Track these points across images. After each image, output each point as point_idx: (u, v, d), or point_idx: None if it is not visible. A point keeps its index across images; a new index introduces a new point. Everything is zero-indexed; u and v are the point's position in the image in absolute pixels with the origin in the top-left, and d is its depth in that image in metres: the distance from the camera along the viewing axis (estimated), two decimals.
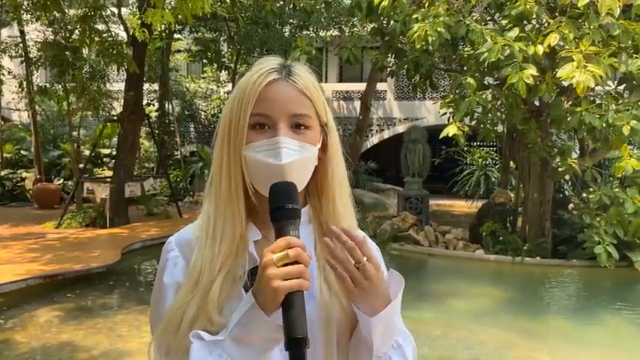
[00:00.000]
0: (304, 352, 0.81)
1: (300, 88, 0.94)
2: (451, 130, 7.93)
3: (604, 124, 7.29)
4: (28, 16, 11.38)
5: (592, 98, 8.10)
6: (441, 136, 8.10)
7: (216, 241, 0.94)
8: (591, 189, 8.40)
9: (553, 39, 6.99)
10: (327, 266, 0.92)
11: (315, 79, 0.99)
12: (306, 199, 1.02)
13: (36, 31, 12.05)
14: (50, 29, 11.20)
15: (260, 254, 0.94)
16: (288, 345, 0.81)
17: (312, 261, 0.89)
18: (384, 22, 9.33)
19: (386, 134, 17.16)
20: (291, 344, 0.80)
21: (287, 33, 14.15)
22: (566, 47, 7.04)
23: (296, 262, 0.82)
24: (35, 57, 11.88)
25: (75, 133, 12.53)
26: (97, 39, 10.21)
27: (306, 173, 0.96)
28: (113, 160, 12.52)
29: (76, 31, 10.57)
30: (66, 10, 10.73)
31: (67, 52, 10.69)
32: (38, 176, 13.03)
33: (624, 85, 8.05)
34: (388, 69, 10.21)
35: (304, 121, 0.94)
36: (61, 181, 13.82)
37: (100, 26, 10.76)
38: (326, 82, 18.23)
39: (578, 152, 9.91)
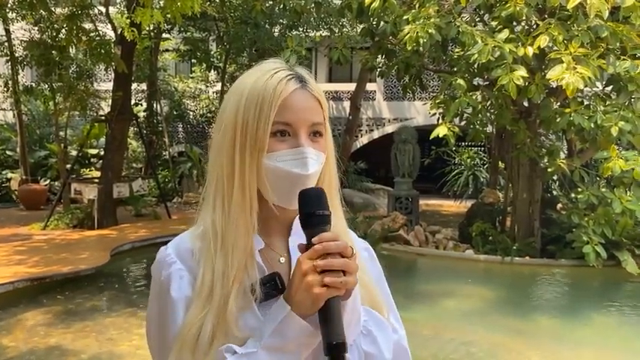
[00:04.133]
0: (344, 357, 0.81)
1: (316, 96, 0.95)
2: (442, 131, 7.96)
3: (592, 125, 7.37)
4: (14, 14, 11.22)
5: (580, 99, 8.18)
6: (431, 137, 8.13)
7: (229, 254, 0.90)
8: (579, 189, 8.49)
9: (542, 40, 7.05)
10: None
11: None
12: None
13: (22, 30, 11.88)
14: (36, 28, 11.03)
15: (265, 263, 0.93)
16: (328, 350, 0.81)
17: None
18: (374, 22, 9.34)
19: (375, 134, 17.19)
20: (332, 349, 0.80)
21: (277, 33, 14.10)
22: (556, 49, 7.10)
23: (333, 271, 0.81)
24: (21, 56, 11.69)
25: (62, 133, 12.38)
26: (84, 38, 10.09)
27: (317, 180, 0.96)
28: (101, 161, 12.39)
29: (63, 30, 10.41)
30: (52, 9, 10.58)
31: (53, 52, 10.53)
32: (24, 177, 12.84)
33: (612, 86, 8.13)
34: (378, 69, 10.22)
35: (320, 129, 0.95)
36: (48, 181, 13.65)
37: (87, 25, 10.63)
38: (315, 82, 18.19)
39: (566, 152, 10.00)
